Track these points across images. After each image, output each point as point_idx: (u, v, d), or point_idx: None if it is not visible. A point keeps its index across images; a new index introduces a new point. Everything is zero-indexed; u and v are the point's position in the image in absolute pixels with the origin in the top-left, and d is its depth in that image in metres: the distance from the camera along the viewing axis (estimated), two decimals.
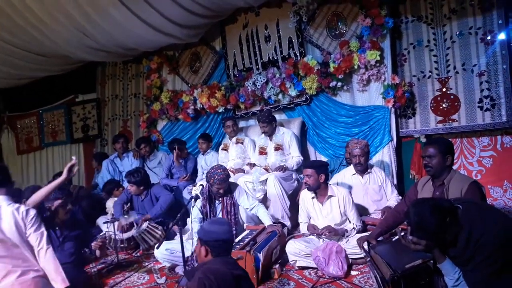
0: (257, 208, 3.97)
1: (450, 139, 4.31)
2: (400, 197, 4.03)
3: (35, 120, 8.40)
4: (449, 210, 2.17)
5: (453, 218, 2.15)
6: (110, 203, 5.35)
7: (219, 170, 3.78)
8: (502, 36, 4.22)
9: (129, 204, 4.85)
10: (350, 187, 4.11)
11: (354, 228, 3.58)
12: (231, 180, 4.51)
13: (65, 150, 8.13)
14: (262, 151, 5.03)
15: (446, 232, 2.16)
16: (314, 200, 3.72)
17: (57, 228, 3.35)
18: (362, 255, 3.33)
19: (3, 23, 4.93)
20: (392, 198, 4.05)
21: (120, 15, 4.77)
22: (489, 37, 4.29)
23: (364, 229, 3.67)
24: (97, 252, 3.65)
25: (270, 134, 4.98)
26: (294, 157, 4.89)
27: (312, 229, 3.66)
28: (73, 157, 3.18)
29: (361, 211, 4.09)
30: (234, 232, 3.85)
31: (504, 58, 4.22)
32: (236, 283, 2.11)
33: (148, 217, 4.54)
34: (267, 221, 3.87)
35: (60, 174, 6.11)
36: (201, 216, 3.84)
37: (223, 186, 3.79)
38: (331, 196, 3.65)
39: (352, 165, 4.20)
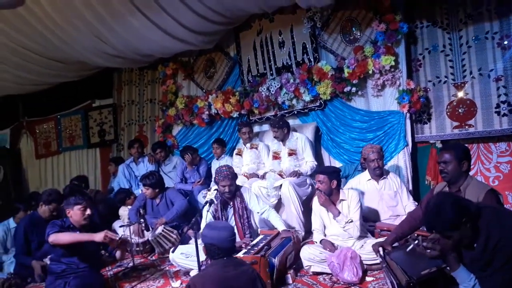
0: (268, 212, 3.99)
1: (466, 145, 4.31)
2: (416, 203, 4.01)
3: (53, 125, 8.56)
4: (468, 208, 2.13)
5: (471, 219, 2.12)
6: (122, 212, 5.42)
7: (224, 168, 3.96)
8: None
9: (143, 210, 4.91)
10: (365, 193, 4.10)
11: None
12: (245, 185, 4.54)
13: (82, 155, 8.26)
14: (276, 156, 5.04)
15: (461, 229, 2.12)
16: None
17: (77, 232, 3.40)
18: (377, 261, 3.31)
19: (23, 29, 5.05)
20: (409, 205, 4.01)
21: (137, 22, 4.86)
22: (506, 42, 4.24)
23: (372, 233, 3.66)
24: (117, 254, 3.68)
25: (281, 139, 4.99)
26: (308, 162, 4.89)
27: (331, 246, 3.56)
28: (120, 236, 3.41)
29: (375, 216, 4.07)
30: (248, 235, 3.88)
31: None
32: (228, 283, 2.27)
33: (163, 221, 4.58)
34: (280, 226, 3.88)
35: (78, 178, 6.22)
36: (213, 221, 3.87)
37: (228, 184, 3.85)
38: (342, 200, 3.65)
39: (367, 170, 4.18)
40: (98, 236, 3.21)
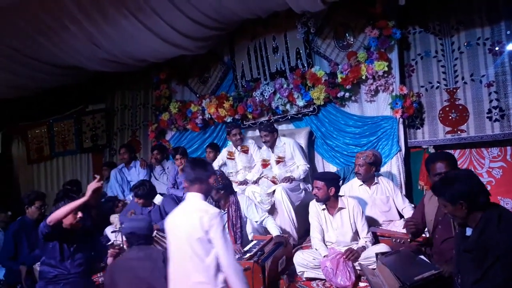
0: (267, 220, 3.97)
1: (459, 150, 4.35)
2: (413, 205, 4.03)
3: (46, 129, 8.49)
4: (473, 196, 2.17)
5: (468, 205, 2.17)
6: (113, 218, 5.37)
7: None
8: (510, 46, 4.21)
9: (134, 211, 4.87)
10: (357, 198, 4.09)
11: (364, 246, 3.52)
12: (238, 191, 4.51)
13: (74, 160, 8.19)
14: (265, 164, 5.01)
15: (455, 207, 2.20)
16: (325, 211, 3.69)
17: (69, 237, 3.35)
18: (370, 267, 3.29)
19: (15, 32, 5.02)
20: (407, 207, 4.01)
21: (130, 26, 4.85)
22: (497, 48, 4.28)
23: (376, 241, 3.64)
24: (109, 260, 3.64)
25: (271, 144, 4.95)
26: (300, 166, 4.85)
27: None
28: (97, 176, 3.20)
29: (370, 222, 4.06)
30: (239, 244, 3.83)
31: None
32: (130, 267, 2.87)
33: (157, 227, 4.54)
34: (275, 232, 3.85)
35: (70, 183, 6.17)
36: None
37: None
38: (341, 208, 3.62)
39: None
40: (87, 195, 3.08)
